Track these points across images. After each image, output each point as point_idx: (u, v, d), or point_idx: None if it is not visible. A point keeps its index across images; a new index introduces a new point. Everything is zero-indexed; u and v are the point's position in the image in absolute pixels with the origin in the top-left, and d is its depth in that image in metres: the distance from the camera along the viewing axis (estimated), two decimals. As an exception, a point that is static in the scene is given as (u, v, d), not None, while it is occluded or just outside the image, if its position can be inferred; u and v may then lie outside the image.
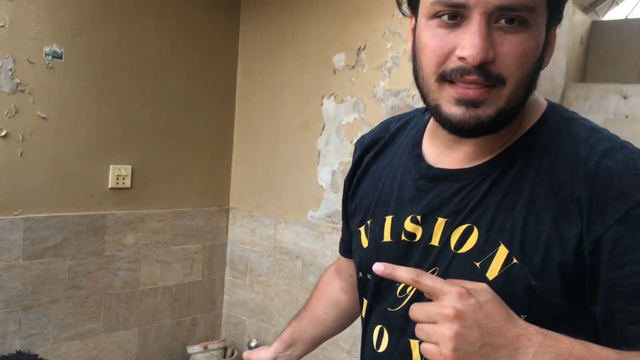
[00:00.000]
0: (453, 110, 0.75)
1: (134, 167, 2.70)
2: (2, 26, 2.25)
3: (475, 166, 0.82)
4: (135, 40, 2.64)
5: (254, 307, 3.03)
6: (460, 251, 0.80)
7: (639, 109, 3.22)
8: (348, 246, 1.08)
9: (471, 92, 0.73)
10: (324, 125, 2.72)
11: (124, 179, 2.65)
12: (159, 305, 2.87)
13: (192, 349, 2.89)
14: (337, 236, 2.79)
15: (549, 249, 0.74)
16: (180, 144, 2.87)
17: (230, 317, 3.15)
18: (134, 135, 2.69)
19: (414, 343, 0.84)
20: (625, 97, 3.29)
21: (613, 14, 4.56)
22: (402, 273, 0.70)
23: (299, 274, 2.82)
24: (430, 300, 0.69)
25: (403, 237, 0.87)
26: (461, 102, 0.74)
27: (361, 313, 0.98)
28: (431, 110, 0.79)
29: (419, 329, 0.68)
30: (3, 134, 2.29)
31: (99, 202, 2.59)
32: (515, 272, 0.75)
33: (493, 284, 0.75)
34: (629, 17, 4.40)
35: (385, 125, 1.03)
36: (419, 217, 0.85)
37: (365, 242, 0.94)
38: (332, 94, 2.69)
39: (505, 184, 0.79)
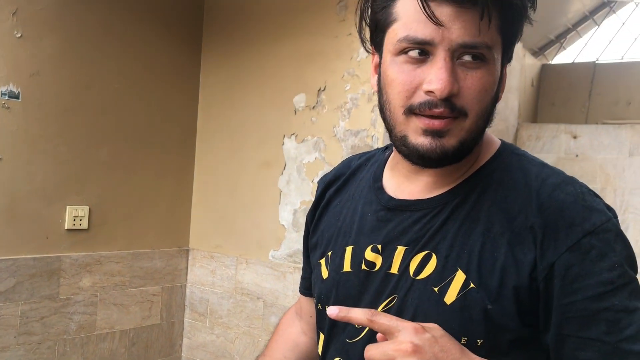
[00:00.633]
0: (420, 140, 0.79)
1: (91, 207, 2.65)
2: (-43, 65, 2.21)
3: (435, 197, 0.86)
4: (94, 80, 2.62)
5: (214, 350, 2.97)
6: (419, 277, 0.82)
7: (588, 148, 3.36)
8: (308, 284, 1.09)
9: (437, 123, 0.77)
10: (285, 165, 2.74)
11: (80, 219, 2.60)
12: (116, 350, 2.79)
13: (149, 395, 2.80)
14: (299, 276, 2.78)
15: (505, 273, 0.77)
16: (139, 184, 2.84)
17: (189, 361, 3.07)
18: (92, 175, 2.65)
19: None
20: (575, 137, 3.42)
21: (561, 58, 4.77)
22: (357, 314, 0.71)
23: (261, 315, 2.79)
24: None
25: (363, 267, 0.89)
26: (428, 132, 0.78)
27: (318, 349, 0.98)
28: (397, 141, 0.82)
29: None
30: (-45, 174, 2.23)
31: (54, 243, 2.53)
32: (472, 296, 0.78)
33: (451, 308, 0.78)
34: (576, 61, 4.61)
35: (347, 162, 1.06)
36: (379, 247, 0.88)
37: (325, 273, 0.95)
38: (293, 134, 2.71)
39: (463, 213, 0.82)
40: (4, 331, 2.37)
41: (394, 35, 0.79)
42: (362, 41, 0.88)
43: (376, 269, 0.87)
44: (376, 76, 0.87)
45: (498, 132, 3.37)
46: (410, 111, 0.78)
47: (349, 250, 0.92)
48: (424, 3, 0.75)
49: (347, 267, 0.91)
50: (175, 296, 3.04)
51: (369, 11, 0.84)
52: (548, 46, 4.70)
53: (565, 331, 0.75)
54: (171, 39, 2.94)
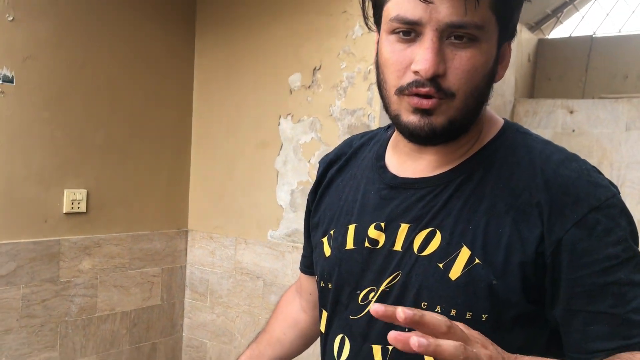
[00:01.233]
0: (410, 118, 0.80)
1: (89, 190, 2.65)
2: (-50, 50, 2.20)
3: (438, 174, 0.86)
4: (89, 63, 2.61)
5: (214, 329, 3.00)
6: (423, 254, 0.83)
7: (585, 123, 3.36)
8: (309, 262, 1.09)
9: (424, 102, 0.78)
10: (282, 145, 2.74)
11: (79, 203, 2.61)
12: (117, 331, 2.82)
13: (152, 375, 2.83)
14: (298, 255, 2.79)
15: (510, 249, 0.78)
16: (136, 166, 2.84)
17: (191, 341, 3.10)
18: (89, 159, 2.65)
19: (376, 348, 0.86)
20: (571, 112, 3.41)
21: (558, 32, 4.74)
22: (432, 318, 0.60)
23: (260, 294, 2.81)
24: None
25: (366, 244, 0.89)
26: (417, 110, 0.79)
27: (320, 325, 0.99)
28: (392, 119, 0.84)
29: None
30: (-49, 160, 2.23)
31: (53, 227, 2.54)
32: (477, 271, 0.78)
33: (456, 284, 0.79)
34: (573, 35, 4.58)
35: (348, 142, 1.06)
36: (382, 224, 0.88)
37: (327, 251, 0.96)
38: (289, 114, 2.71)
39: (467, 191, 0.83)
40: (6, 314, 2.40)
41: (387, 14, 0.80)
42: (365, 18, 0.89)
43: (379, 246, 0.88)
44: (376, 53, 0.88)
45: (495, 107, 3.36)
46: (401, 91, 0.80)
47: (351, 228, 0.92)
48: None
49: (349, 244, 0.92)
50: (175, 277, 3.06)
51: None
52: (545, 20, 4.66)
53: (574, 306, 0.77)
54: (165, 20, 2.91)
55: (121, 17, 2.72)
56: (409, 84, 0.78)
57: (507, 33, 0.83)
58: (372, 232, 0.89)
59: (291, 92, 2.70)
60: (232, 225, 2.94)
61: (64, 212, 2.56)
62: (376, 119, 2.43)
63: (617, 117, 3.26)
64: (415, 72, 0.77)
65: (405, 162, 0.90)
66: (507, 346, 0.78)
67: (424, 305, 0.81)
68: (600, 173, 0.82)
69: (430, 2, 0.75)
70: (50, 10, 2.46)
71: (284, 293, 1.27)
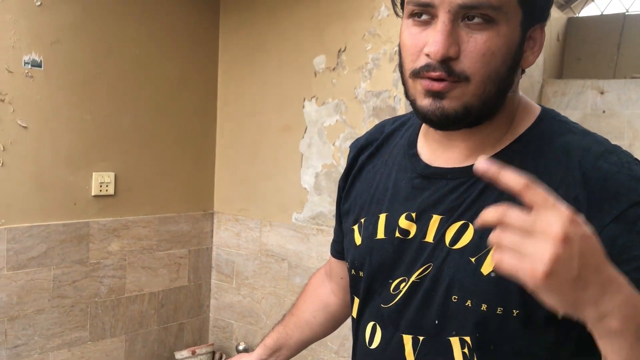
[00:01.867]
0: (424, 102, 0.78)
1: (116, 174, 2.69)
2: (-20, 36, 2.24)
3: (471, 165, 0.83)
4: (114, 47, 2.63)
5: (241, 310, 3.04)
6: (455, 247, 0.81)
7: (616, 104, 3.28)
8: (340, 247, 1.09)
9: (435, 85, 0.76)
10: (306, 128, 2.73)
11: (107, 186, 2.64)
12: (146, 311, 2.87)
13: (180, 355, 2.88)
14: (322, 238, 2.80)
15: None
16: (162, 150, 2.87)
17: (217, 321, 3.15)
18: (116, 142, 2.68)
19: (406, 338, 0.86)
20: (602, 93, 3.34)
21: (588, 11, 4.62)
22: (510, 178, 0.60)
23: (285, 276, 2.83)
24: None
25: (397, 234, 0.88)
26: (429, 93, 0.77)
27: (352, 312, 0.98)
28: (411, 105, 0.82)
29: (503, 234, 0.59)
30: (-17, 144, 2.27)
31: (82, 210, 2.58)
32: None
33: (488, 279, 0.77)
34: (604, 13, 4.46)
35: (380, 127, 1.04)
36: (413, 215, 0.87)
37: (358, 240, 0.95)
38: (314, 97, 2.70)
39: None
40: (38, 295, 2.46)
41: None
42: (393, 4, 0.87)
43: (410, 236, 0.86)
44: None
45: (523, 89, 3.30)
46: (415, 74, 0.78)
47: (382, 217, 0.91)
48: None
49: (380, 234, 0.91)
50: (201, 258, 3.10)
51: None
52: (575, -2, 4.55)
53: None
54: (189, 3, 2.92)
55: (146, 1, 2.73)
56: (422, 67, 0.77)
57: (534, 16, 0.78)
58: (403, 222, 0.88)
59: (316, 74, 2.69)
60: (257, 208, 2.96)
61: (93, 194, 2.60)
62: (402, 101, 2.41)
63: (650, 98, 3.18)
64: (427, 55, 0.76)
65: (437, 150, 0.88)
66: (537, 344, 0.76)
67: (455, 299, 0.80)
68: None
69: None
70: (77, -6, 2.48)
71: (312, 276, 1.26)
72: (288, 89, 2.79)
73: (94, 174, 2.60)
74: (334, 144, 2.63)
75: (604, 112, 3.30)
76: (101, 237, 2.65)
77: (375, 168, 0.98)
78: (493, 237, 0.60)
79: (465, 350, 0.80)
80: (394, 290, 0.88)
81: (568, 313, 0.62)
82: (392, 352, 0.87)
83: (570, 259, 0.57)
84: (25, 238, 2.40)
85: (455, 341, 0.80)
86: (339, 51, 2.60)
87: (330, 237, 1.19)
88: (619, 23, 4.13)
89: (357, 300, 0.96)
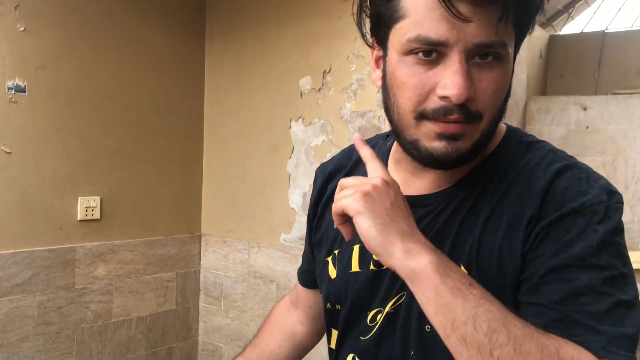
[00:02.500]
0: (435, 144, 0.75)
1: (102, 197, 2.67)
2: (-37, 62, 2.22)
3: (440, 192, 0.84)
4: (99, 70, 2.63)
5: (229, 333, 3.01)
6: None
7: (599, 120, 3.32)
8: (310, 277, 1.07)
9: (452, 127, 0.73)
10: (293, 148, 2.74)
11: (92, 210, 2.62)
12: (133, 336, 2.83)
13: (168, 380, 2.85)
14: (311, 258, 2.76)
15: (502, 264, 0.76)
16: (149, 172, 2.86)
17: (206, 345, 3.11)
18: (102, 166, 2.66)
19: None
20: (584, 109, 3.38)
21: (569, 28, 4.70)
22: (365, 152, 0.83)
23: (274, 297, 2.81)
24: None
25: (371, 266, 0.88)
26: (442, 136, 0.74)
27: (329, 344, 0.97)
28: (407, 144, 0.79)
29: (343, 192, 0.77)
30: (-34, 170, 2.25)
31: (68, 235, 2.56)
32: None
33: None
34: (585, 30, 4.54)
35: (347, 152, 1.02)
36: None
37: (333, 273, 0.94)
38: (300, 117, 2.71)
39: (466, 207, 0.81)
40: (22, 322, 2.42)
41: (403, 33, 0.73)
42: (362, 35, 0.84)
43: (384, 267, 0.84)
44: (378, 71, 0.83)
45: (508, 106, 3.34)
46: (423, 116, 0.75)
47: (356, 249, 0.90)
48: (422, 3, 0.71)
49: (355, 267, 0.90)
50: (189, 281, 3.07)
51: (368, 2, 0.80)
52: (556, 17, 4.63)
53: (521, 297, 0.74)
54: (174, 25, 2.93)
55: (130, 23, 2.73)
56: (435, 110, 0.73)
57: (518, 48, 0.79)
58: None
59: (302, 95, 2.70)
60: (245, 229, 2.94)
61: (78, 219, 2.58)
62: (386, 121, 2.42)
63: (631, 113, 3.22)
64: (443, 98, 0.72)
65: (409, 178, 0.87)
66: None
67: (428, 328, 0.79)
68: (598, 181, 0.77)
69: (465, 20, 0.69)
70: (60, 19, 2.48)
71: (275, 305, 1.22)
72: (275, 110, 2.80)
73: (79, 198, 2.58)
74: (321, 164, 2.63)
75: (587, 127, 3.33)
76: (87, 261, 2.62)
77: None
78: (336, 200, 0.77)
79: None
80: (370, 322, 0.87)
81: (380, 254, 0.72)
82: None
83: (385, 194, 0.74)
84: (9, 265, 2.37)
85: None
86: (324, 72, 2.62)
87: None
88: (599, 40, 4.20)
89: (335, 333, 0.95)
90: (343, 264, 0.92)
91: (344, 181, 0.77)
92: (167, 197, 2.95)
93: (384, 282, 0.86)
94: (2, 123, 2.33)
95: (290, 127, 2.75)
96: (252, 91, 2.89)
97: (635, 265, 1.10)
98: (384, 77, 0.80)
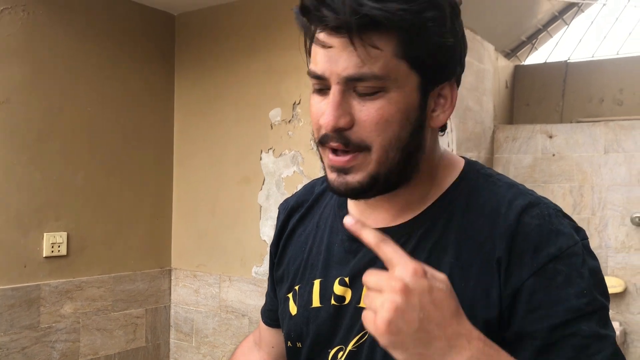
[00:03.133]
0: (330, 176, 0.78)
1: (69, 233, 2.61)
2: None
3: (400, 225, 0.83)
4: (66, 105, 2.59)
5: (201, 369, 2.93)
6: None
7: (564, 147, 3.39)
8: (273, 315, 1.05)
9: (337, 159, 0.76)
10: (264, 180, 2.73)
11: (59, 246, 2.56)
12: (101, 376, 2.74)
13: (138, 420, 2.76)
14: (283, 291, 2.73)
15: (474, 306, 0.74)
16: (117, 206, 2.81)
17: (177, 383, 3.03)
18: (69, 201, 2.61)
19: None
20: (550, 137, 3.45)
21: (533, 58, 4.82)
22: (368, 235, 0.67)
23: (246, 332, 2.76)
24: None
25: (332, 301, 0.85)
26: (333, 168, 0.77)
27: None
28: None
29: (366, 295, 0.64)
30: None
31: (33, 272, 2.49)
32: None
33: None
34: (548, 60, 4.66)
35: (309, 187, 1.02)
36: (347, 279, 0.84)
37: (293, 310, 0.91)
38: (271, 148, 2.71)
39: (431, 242, 0.80)
40: (-16, 364, 2.33)
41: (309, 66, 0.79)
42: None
43: (345, 302, 0.84)
44: None
45: (475, 134, 3.39)
46: (319, 144, 0.79)
47: (317, 284, 0.88)
48: (311, 37, 0.75)
49: (316, 302, 0.88)
50: (159, 317, 3.01)
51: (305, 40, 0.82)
52: (520, 47, 4.75)
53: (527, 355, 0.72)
54: (143, 59, 2.92)
55: (99, 56, 2.72)
56: (322, 137, 0.77)
57: (436, 76, 0.77)
58: (338, 288, 0.85)
59: (272, 126, 2.70)
60: (215, 263, 2.90)
61: (44, 256, 2.52)
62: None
63: (595, 141, 3.30)
64: (322, 126, 0.76)
65: (365, 211, 0.86)
66: None
67: None
68: (566, 217, 0.77)
69: (329, 47, 0.73)
70: (27, 53, 2.46)
71: (239, 344, 1.20)
72: (245, 142, 2.79)
73: (45, 234, 2.52)
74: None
75: (553, 155, 3.40)
76: (53, 299, 2.55)
77: (307, 231, 0.95)
78: (364, 298, 0.65)
79: None
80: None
81: None
82: None
83: (410, 309, 0.60)
84: (-29, 304, 2.29)
85: None
86: (294, 104, 2.63)
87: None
88: (562, 70, 4.32)
89: None
90: (304, 299, 0.90)
91: (368, 281, 0.65)
92: (136, 231, 2.90)
93: (346, 318, 0.83)
94: (-36, 158, 2.28)
95: (261, 159, 2.74)
96: (222, 123, 2.88)
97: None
98: None
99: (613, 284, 3.10)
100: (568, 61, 4.42)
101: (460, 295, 0.74)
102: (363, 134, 0.74)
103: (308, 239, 0.94)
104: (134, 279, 2.88)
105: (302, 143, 2.60)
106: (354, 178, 0.76)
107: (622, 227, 3.16)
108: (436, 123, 0.80)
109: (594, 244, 2.86)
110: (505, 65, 4.21)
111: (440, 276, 0.65)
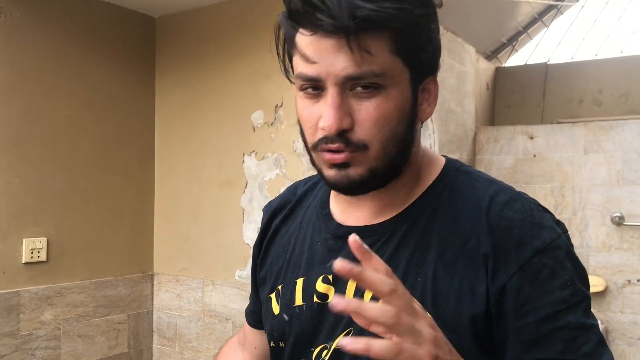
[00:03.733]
0: (329, 172, 0.78)
1: (49, 238, 2.57)
2: None
3: (383, 222, 0.83)
4: (45, 108, 2.56)
5: (185, 375, 2.91)
6: None
7: (545, 148, 3.42)
8: (256, 316, 1.05)
9: (337, 157, 0.76)
10: (247, 183, 2.71)
11: (38, 252, 2.52)
12: (83, 383, 2.71)
13: None
14: (267, 294, 2.72)
15: (460, 301, 0.75)
16: (98, 211, 2.78)
17: (160, 388, 3.00)
18: (48, 206, 2.57)
19: None
20: (531, 138, 3.48)
21: (514, 60, 4.85)
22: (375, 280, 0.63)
23: (230, 336, 2.74)
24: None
25: (315, 300, 0.85)
26: (333, 165, 0.77)
27: None
28: (318, 172, 0.82)
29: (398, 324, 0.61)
30: None
31: (12, 278, 2.45)
32: None
33: None
34: (528, 62, 4.70)
35: (292, 189, 1.03)
36: (330, 277, 0.84)
37: (276, 309, 0.91)
38: (253, 151, 2.69)
39: (414, 239, 0.80)
40: (-38, 373, 2.29)
41: (295, 68, 0.78)
42: (286, 72, 0.84)
43: (329, 301, 0.84)
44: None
45: (457, 136, 3.40)
46: (315, 147, 0.78)
47: (299, 282, 0.88)
48: (302, 40, 0.73)
49: (298, 301, 0.87)
50: (142, 323, 2.97)
51: (282, 39, 0.81)
52: (501, 49, 4.78)
53: (523, 355, 0.73)
54: (123, 62, 2.89)
55: (79, 59, 2.69)
56: (320, 140, 0.76)
57: (423, 71, 0.79)
58: (321, 285, 0.85)
59: (254, 129, 2.69)
60: (198, 267, 2.88)
61: (23, 262, 2.48)
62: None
63: (576, 142, 3.33)
64: (323, 129, 0.75)
65: (347, 209, 0.87)
66: None
67: None
68: (546, 212, 0.79)
69: (313, 62, 0.73)
70: (5, 56, 2.42)
71: (224, 345, 1.20)
72: (227, 145, 2.78)
73: (24, 240, 2.48)
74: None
75: (534, 156, 3.43)
76: (33, 306, 2.51)
77: (289, 231, 0.96)
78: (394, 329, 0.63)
79: None
80: (316, 359, 0.84)
81: None
82: None
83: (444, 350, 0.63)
84: (-52, 312, 2.25)
85: None
86: (276, 106, 2.62)
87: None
88: (542, 72, 4.35)
89: None
90: (286, 298, 0.90)
91: (377, 318, 0.62)
92: (118, 236, 2.87)
93: (330, 316, 0.83)
94: (-60, 164, 2.24)
95: (243, 162, 2.73)
96: (204, 126, 2.86)
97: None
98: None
99: (594, 283, 3.13)
100: (548, 63, 4.46)
101: (445, 291, 0.76)
102: (362, 133, 0.75)
103: (291, 239, 0.95)
104: (115, 284, 2.85)
105: (284, 146, 2.59)
106: (356, 171, 0.76)
107: (602, 226, 3.19)
108: (424, 116, 0.82)
109: (575, 243, 2.87)
110: (486, 67, 4.23)
111: (441, 336, 0.66)
